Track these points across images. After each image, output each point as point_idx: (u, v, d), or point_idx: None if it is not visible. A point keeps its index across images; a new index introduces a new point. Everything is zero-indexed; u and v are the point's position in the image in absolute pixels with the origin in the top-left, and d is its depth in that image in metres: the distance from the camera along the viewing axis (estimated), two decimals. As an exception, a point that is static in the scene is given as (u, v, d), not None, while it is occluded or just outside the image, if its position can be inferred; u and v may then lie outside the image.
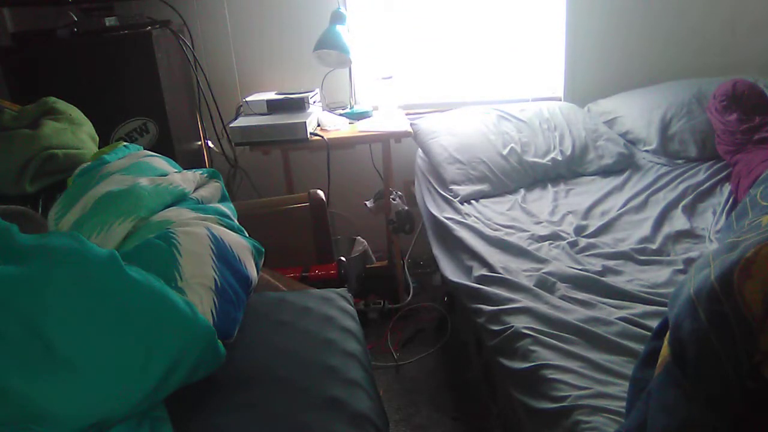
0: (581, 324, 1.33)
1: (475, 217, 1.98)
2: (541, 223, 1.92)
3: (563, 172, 2.32)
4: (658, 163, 2.34)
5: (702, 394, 0.73)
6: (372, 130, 2.37)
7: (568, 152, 2.33)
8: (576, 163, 2.33)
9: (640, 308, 1.40)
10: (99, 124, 1.53)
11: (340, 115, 2.52)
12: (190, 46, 2.25)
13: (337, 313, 1.22)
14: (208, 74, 2.36)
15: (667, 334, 0.81)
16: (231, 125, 2.29)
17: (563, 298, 1.47)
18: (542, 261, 1.65)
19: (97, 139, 1.50)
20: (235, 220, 1.23)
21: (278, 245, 1.44)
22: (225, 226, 1.13)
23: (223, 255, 1.05)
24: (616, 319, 1.35)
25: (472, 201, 2.12)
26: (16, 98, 1.66)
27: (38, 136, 1.33)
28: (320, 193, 1.83)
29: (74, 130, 1.42)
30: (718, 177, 2.16)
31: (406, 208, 2.51)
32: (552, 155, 2.32)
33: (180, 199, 1.17)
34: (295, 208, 1.81)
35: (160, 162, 1.28)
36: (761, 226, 0.89)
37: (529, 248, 1.72)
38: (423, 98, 2.79)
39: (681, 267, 1.60)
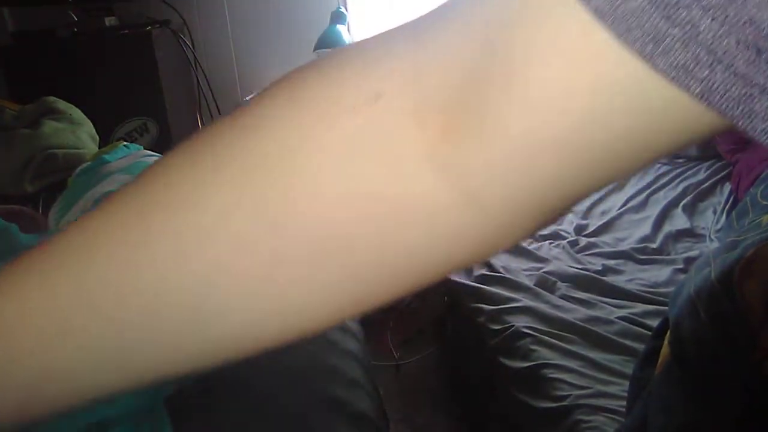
0: (581, 323, 1.33)
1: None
2: (542, 222, 1.92)
3: (563, 171, 2.32)
4: (658, 162, 2.34)
5: (702, 394, 0.73)
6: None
7: (569, 152, 2.33)
8: (576, 163, 2.33)
9: (640, 307, 1.40)
10: (99, 124, 1.53)
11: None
12: (190, 46, 2.25)
13: (337, 313, 1.22)
14: (208, 74, 2.36)
15: (668, 333, 0.81)
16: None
17: (563, 297, 1.47)
18: (542, 260, 1.65)
19: (97, 139, 1.50)
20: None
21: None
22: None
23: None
24: (616, 318, 1.35)
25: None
26: (16, 98, 1.66)
27: (38, 136, 1.33)
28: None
29: (74, 130, 1.42)
30: (719, 176, 2.15)
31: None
32: (552, 155, 2.32)
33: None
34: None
35: (160, 162, 1.28)
36: (761, 226, 0.89)
37: (529, 247, 1.72)
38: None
39: (681, 266, 1.60)
